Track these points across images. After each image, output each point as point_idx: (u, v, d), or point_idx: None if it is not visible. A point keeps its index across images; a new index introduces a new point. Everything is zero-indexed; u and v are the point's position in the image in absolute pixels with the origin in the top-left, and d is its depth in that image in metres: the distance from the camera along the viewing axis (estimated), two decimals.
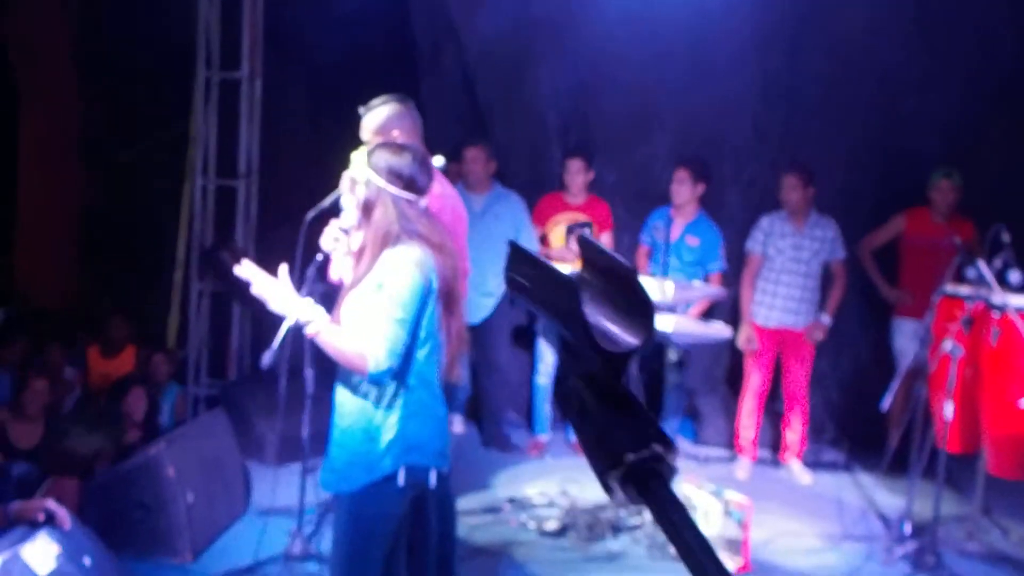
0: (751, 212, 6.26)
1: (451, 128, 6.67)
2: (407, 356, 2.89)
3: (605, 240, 6.22)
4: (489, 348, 6.21)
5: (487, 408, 6.34)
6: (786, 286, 6.01)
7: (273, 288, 2.94)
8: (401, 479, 2.92)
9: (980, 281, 4.64)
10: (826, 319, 6.01)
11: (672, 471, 1.07)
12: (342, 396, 3.01)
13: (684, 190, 6.00)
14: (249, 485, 5.12)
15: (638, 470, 1.06)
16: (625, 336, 1.14)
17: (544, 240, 6.31)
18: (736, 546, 4.52)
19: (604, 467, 1.07)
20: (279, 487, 5.04)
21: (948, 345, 4.61)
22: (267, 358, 3.89)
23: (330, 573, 3.16)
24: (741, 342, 6.12)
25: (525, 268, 1.32)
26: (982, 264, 4.55)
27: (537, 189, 6.43)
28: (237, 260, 6.13)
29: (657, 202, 6.22)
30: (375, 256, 2.92)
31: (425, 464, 2.98)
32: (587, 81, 6.62)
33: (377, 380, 2.86)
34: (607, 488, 1.07)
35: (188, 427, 5.25)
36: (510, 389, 6.56)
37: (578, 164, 6.19)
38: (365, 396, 2.94)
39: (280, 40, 6.82)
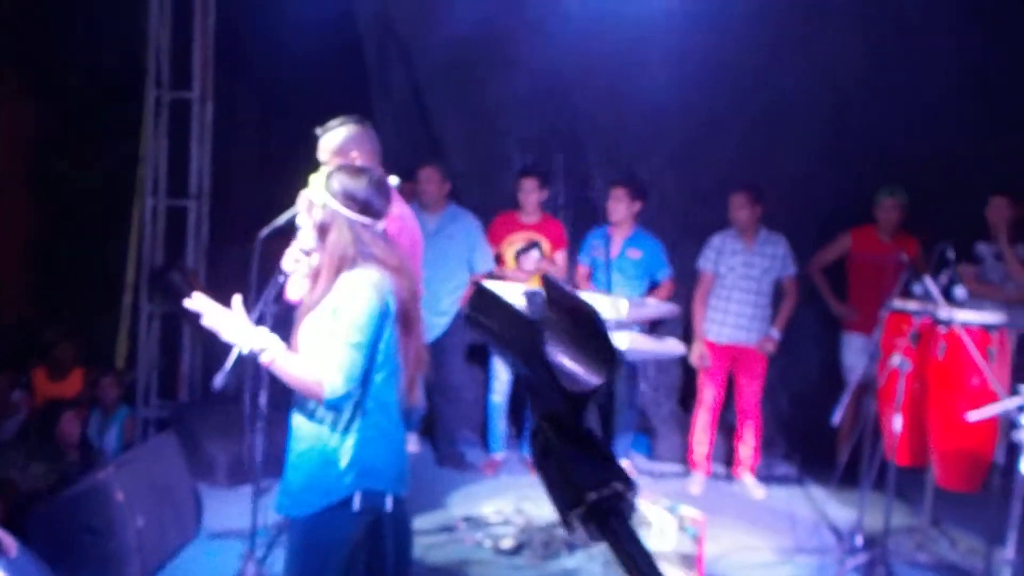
0: (700, 230, 6.32)
1: (404, 147, 6.66)
2: (365, 380, 2.88)
3: (559, 258, 6.25)
4: (443, 367, 6.20)
5: (442, 427, 6.32)
6: (737, 303, 6.09)
7: (225, 320, 2.91)
8: (357, 504, 2.89)
9: (927, 297, 4.73)
10: (776, 333, 6.10)
11: (631, 508, 1.09)
12: (298, 420, 2.98)
13: (621, 208, 6.09)
14: (200, 508, 5.04)
15: (599, 508, 1.07)
16: (587, 375, 1.16)
17: (499, 259, 6.32)
18: (691, 561, 4.54)
19: (566, 505, 1.08)
20: (231, 510, 4.99)
21: (896, 359, 4.68)
22: (219, 380, 3.84)
23: None
24: (694, 359, 6.19)
25: (488, 308, 1.33)
26: (928, 280, 4.64)
27: (492, 208, 6.43)
28: (188, 281, 6.14)
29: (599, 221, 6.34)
30: (331, 280, 2.89)
31: (382, 489, 2.95)
32: (541, 97, 6.66)
33: (334, 406, 2.84)
34: (567, 525, 1.08)
35: (137, 451, 5.16)
36: (465, 408, 6.55)
37: (532, 183, 6.22)
38: (321, 421, 2.90)
39: (231, 60, 6.78)
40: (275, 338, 2.90)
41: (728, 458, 6.42)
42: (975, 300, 6.09)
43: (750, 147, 6.63)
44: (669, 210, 6.62)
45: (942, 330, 4.66)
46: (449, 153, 6.51)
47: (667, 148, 6.66)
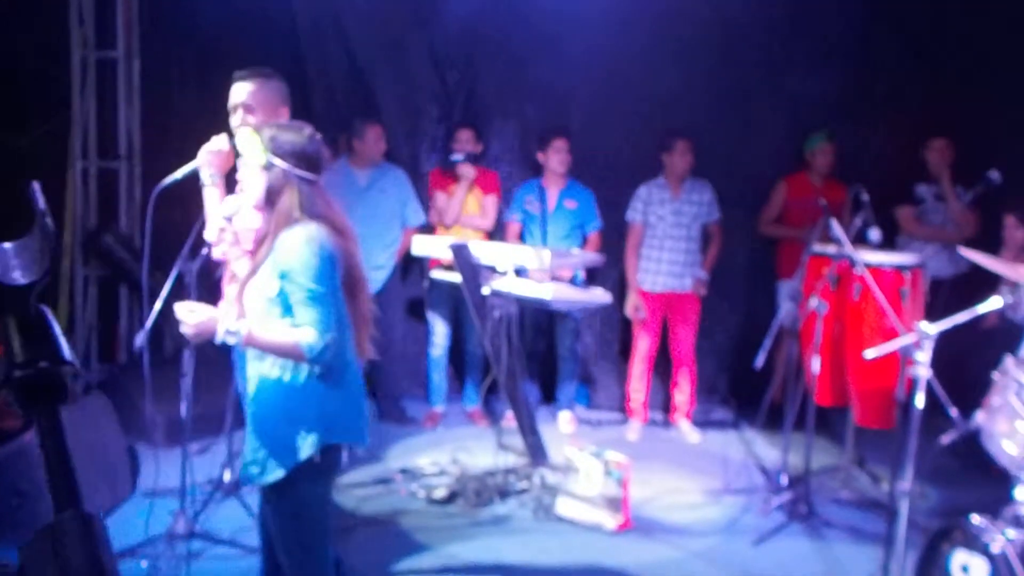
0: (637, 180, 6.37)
1: (337, 102, 6.65)
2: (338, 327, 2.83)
3: (490, 203, 6.27)
4: (380, 322, 6.21)
5: (381, 382, 6.37)
6: (670, 251, 6.17)
7: (198, 321, 2.79)
8: (321, 456, 2.86)
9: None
10: (703, 273, 6.22)
11: (63, 387, 1.16)
12: (255, 383, 2.93)
13: (568, 159, 6.14)
14: (136, 468, 5.08)
15: (26, 385, 1.15)
16: (17, 274, 1.22)
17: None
18: (617, 504, 4.65)
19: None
20: (169, 470, 5.02)
21: (814, 302, 4.78)
22: (139, 340, 3.87)
23: (286, 568, 2.99)
24: (629, 310, 6.27)
25: None
26: (835, 223, 4.72)
27: (422, 164, 6.44)
28: (121, 243, 6.11)
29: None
30: (274, 240, 2.84)
31: (347, 441, 2.96)
32: (470, 52, 6.66)
33: (319, 359, 2.78)
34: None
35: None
36: (405, 362, 6.60)
37: (467, 135, 6.23)
38: (279, 380, 2.86)
39: (164, 17, 6.70)
40: (244, 321, 2.82)
41: (666, 405, 6.54)
42: (909, 241, 6.24)
43: (680, 94, 6.67)
44: (597, 161, 6.66)
45: (857, 272, 4.75)
46: (380, 107, 6.48)
47: (596, 97, 6.69)
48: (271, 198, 2.86)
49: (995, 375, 3.72)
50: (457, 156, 6.08)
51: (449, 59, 6.67)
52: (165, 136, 6.86)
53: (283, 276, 2.78)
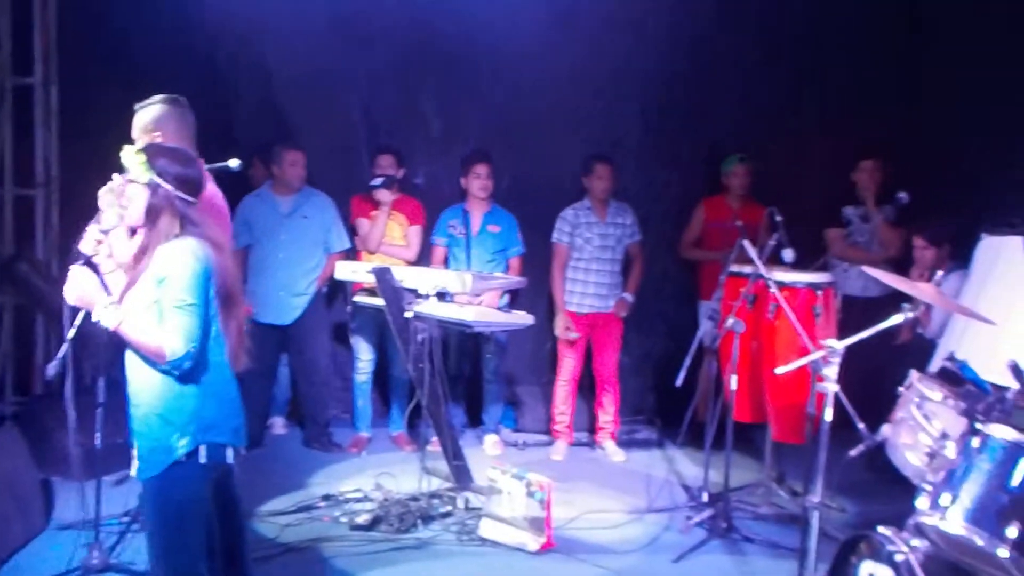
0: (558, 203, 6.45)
1: (258, 127, 6.62)
2: (204, 338, 3.02)
3: (414, 233, 6.28)
4: (305, 348, 6.21)
5: (307, 408, 6.33)
6: (596, 273, 6.25)
7: (84, 288, 3.02)
8: (203, 456, 3.03)
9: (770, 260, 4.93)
10: (629, 297, 6.31)
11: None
12: (135, 387, 3.09)
13: (489, 184, 6.19)
14: (50, 501, 4.97)
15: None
16: None
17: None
18: (539, 524, 4.67)
19: None
20: (84, 502, 4.91)
21: (730, 321, 4.88)
22: (52, 369, 3.81)
23: (151, 565, 3.17)
24: (559, 331, 6.32)
25: None
26: (747, 244, 4.83)
27: (346, 189, 6.43)
28: (36, 271, 5.99)
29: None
30: (152, 253, 3.02)
31: (223, 441, 3.10)
32: (400, 77, 6.71)
33: (178, 366, 2.96)
34: None
35: None
36: (329, 388, 6.55)
37: (388, 160, 6.24)
38: (158, 383, 3.02)
39: (84, 43, 6.61)
40: (122, 307, 3.00)
41: (591, 426, 6.59)
42: (839, 261, 6.37)
43: (604, 118, 6.80)
44: (522, 185, 6.73)
45: (772, 291, 4.85)
46: (302, 133, 6.47)
47: (523, 122, 6.78)
48: (151, 216, 3.03)
49: (901, 389, 3.83)
50: (376, 181, 6.09)
51: (375, 85, 6.70)
52: (84, 163, 6.76)
53: (159, 283, 2.96)
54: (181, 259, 2.97)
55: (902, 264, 5.72)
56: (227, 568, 3.70)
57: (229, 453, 3.13)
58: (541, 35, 6.59)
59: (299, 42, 6.49)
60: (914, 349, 5.69)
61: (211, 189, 3.64)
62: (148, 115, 3.82)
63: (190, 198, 3.07)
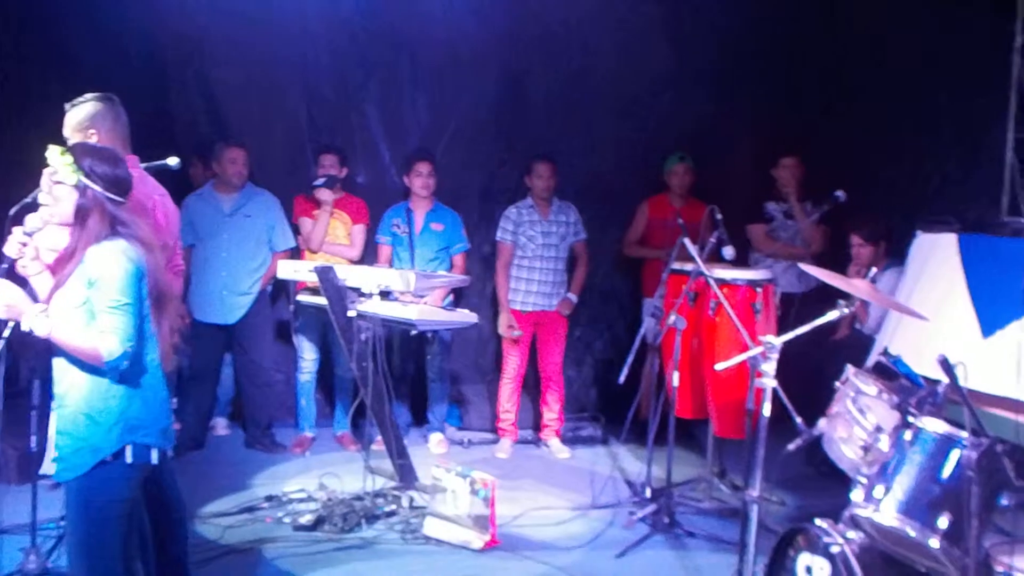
0: (501, 202, 6.47)
1: (200, 126, 6.55)
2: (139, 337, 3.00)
3: (358, 232, 6.26)
4: (249, 348, 6.14)
5: (249, 408, 6.26)
6: (540, 271, 6.27)
7: (12, 299, 2.99)
8: (128, 457, 3.01)
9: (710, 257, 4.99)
10: (573, 297, 6.34)
11: None
12: (61, 387, 3.06)
13: (431, 182, 6.18)
14: None
15: None
16: None
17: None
18: (484, 522, 4.68)
19: None
20: (22, 507, 4.82)
21: (672, 318, 4.93)
22: None
23: (69, 564, 3.15)
24: (503, 329, 6.33)
25: None
26: (687, 241, 4.89)
27: (289, 188, 6.38)
28: None
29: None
30: (82, 255, 2.99)
31: (148, 443, 3.07)
32: (343, 77, 6.67)
33: (116, 366, 2.95)
34: None
35: None
36: (272, 388, 6.50)
37: (331, 159, 6.21)
38: (85, 383, 3.00)
39: (25, 43, 6.47)
40: (50, 312, 2.98)
41: (536, 423, 6.61)
42: (760, 257, 6.47)
43: (544, 118, 6.85)
44: (464, 183, 6.75)
45: (712, 288, 4.91)
46: (244, 133, 6.40)
47: (466, 121, 6.80)
48: (80, 217, 3.01)
49: (837, 384, 3.90)
50: (317, 181, 6.06)
51: (319, 83, 6.66)
52: (17, 163, 6.63)
53: (90, 285, 2.95)
54: (113, 260, 2.96)
55: (838, 260, 5.82)
56: (165, 570, 3.69)
57: (154, 454, 3.11)
58: (481, 35, 6.63)
59: (242, 40, 6.42)
60: (852, 344, 5.81)
61: (143, 189, 3.60)
62: (82, 113, 3.76)
63: (119, 198, 3.05)
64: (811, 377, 4.82)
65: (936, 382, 3.49)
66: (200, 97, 6.54)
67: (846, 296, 3.76)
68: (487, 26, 6.62)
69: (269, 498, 5.20)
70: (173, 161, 4.18)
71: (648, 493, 5.22)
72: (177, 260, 3.91)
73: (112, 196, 3.03)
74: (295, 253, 6.20)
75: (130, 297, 2.96)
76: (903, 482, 3.17)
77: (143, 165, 3.88)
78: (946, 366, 3.00)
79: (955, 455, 3.06)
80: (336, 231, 6.20)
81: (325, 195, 6.03)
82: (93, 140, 3.65)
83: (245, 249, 6.03)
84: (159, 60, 6.46)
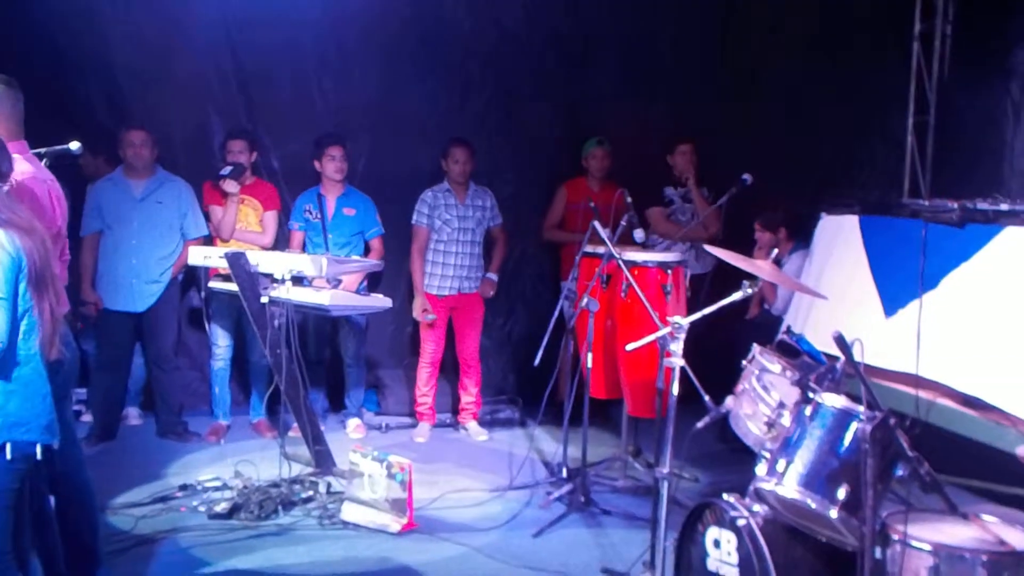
0: (416, 186, 6.46)
1: (105, 111, 6.39)
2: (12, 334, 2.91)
3: (269, 219, 6.21)
4: (159, 336, 6.05)
5: (161, 397, 6.16)
6: (456, 255, 6.29)
7: None
8: (8, 454, 2.93)
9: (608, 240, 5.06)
10: (493, 277, 6.43)
11: None
12: None
13: (344, 166, 6.17)
14: None
15: None
16: None
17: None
18: (401, 506, 4.69)
19: None
20: None
21: (585, 300, 5.00)
22: None
23: None
24: (417, 313, 6.33)
25: None
26: (597, 224, 4.96)
27: (198, 174, 6.28)
28: None
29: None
30: None
31: (30, 439, 2.99)
32: (245, 65, 6.58)
33: None
34: None
35: None
36: (185, 375, 6.42)
37: (240, 145, 6.12)
38: None
39: None
40: None
41: (455, 407, 6.65)
42: (659, 240, 6.60)
43: (460, 102, 6.87)
44: (377, 166, 6.74)
45: (623, 271, 4.99)
46: (153, 118, 6.26)
47: (376, 106, 6.78)
48: None
49: (744, 363, 4.00)
50: (224, 171, 5.97)
51: (230, 66, 6.56)
52: None
53: None
54: None
55: (744, 243, 5.95)
56: (78, 562, 3.64)
57: (38, 449, 3.02)
58: (398, 16, 6.61)
59: (145, 22, 6.29)
60: (762, 324, 5.97)
61: (38, 174, 3.52)
62: None
63: None
64: (725, 356, 4.94)
65: (836, 358, 3.61)
66: (104, 80, 6.36)
67: (751, 277, 3.86)
68: (398, 6, 6.61)
69: (183, 487, 5.14)
70: (75, 146, 4.07)
71: (564, 473, 5.30)
72: (65, 249, 3.81)
73: None
74: (207, 240, 6.12)
75: (4, 291, 2.87)
76: (804, 456, 3.26)
77: (43, 149, 3.79)
78: (841, 342, 3.10)
79: (853, 428, 3.17)
80: (248, 218, 6.14)
81: (231, 187, 5.95)
82: None
83: (155, 236, 5.94)
84: (57, 44, 6.26)
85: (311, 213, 6.21)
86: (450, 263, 6.29)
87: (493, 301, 6.62)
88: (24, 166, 3.47)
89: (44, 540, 3.43)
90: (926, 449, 3.12)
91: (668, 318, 3.79)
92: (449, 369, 6.66)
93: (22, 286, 2.93)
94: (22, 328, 2.95)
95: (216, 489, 5.12)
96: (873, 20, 6.15)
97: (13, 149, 3.37)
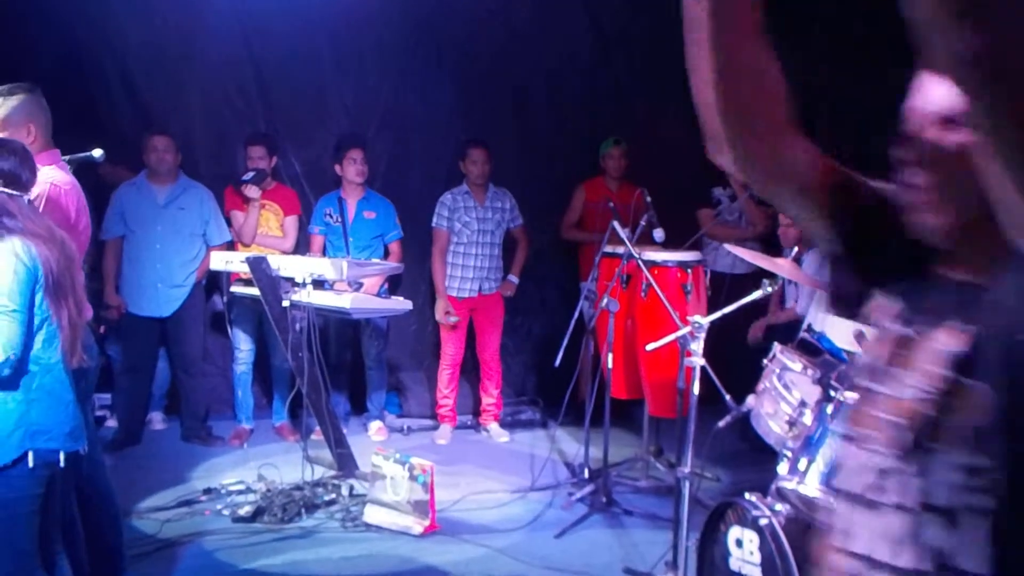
0: (434, 188, 6.49)
1: (123, 118, 6.45)
2: (25, 344, 2.91)
3: (290, 223, 6.25)
4: (184, 341, 6.09)
5: (185, 401, 6.21)
6: (476, 257, 6.30)
7: None
8: (30, 462, 2.93)
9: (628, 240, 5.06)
10: (514, 278, 6.43)
11: None
12: None
13: (365, 169, 6.21)
14: None
15: None
16: None
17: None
18: (423, 507, 4.71)
19: None
20: None
21: (605, 300, 4.99)
22: None
23: None
24: (440, 315, 6.35)
25: None
26: (617, 224, 4.95)
27: (220, 180, 6.32)
28: None
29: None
30: None
31: (54, 447, 2.99)
32: (263, 71, 6.62)
33: None
34: None
35: None
36: (208, 380, 6.46)
37: (260, 151, 6.16)
38: None
39: None
40: None
41: (476, 408, 6.66)
42: (710, 240, 6.56)
43: (474, 103, 6.87)
44: (398, 171, 6.75)
45: (643, 270, 4.99)
46: (175, 124, 6.32)
47: (393, 109, 6.80)
48: None
49: (765, 361, 3.99)
50: (246, 176, 6.01)
51: (249, 71, 6.60)
52: None
53: None
54: (3, 263, 2.86)
55: (773, 241, 5.92)
56: (103, 566, 3.67)
57: (61, 457, 3.03)
58: (407, 19, 6.63)
59: (163, 30, 6.34)
60: (784, 326, 5.93)
61: (64, 178, 3.55)
62: (15, 106, 3.62)
63: (13, 192, 2.96)
64: (752, 356, 4.93)
65: (858, 356, 3.59)
66: (125, 86, 6.42)
67: (771, 276, 3.85)
68: (413, 10, 6.62)
69: (207, 491, 5.17)
70: (98, 153, 4.10)
71: (586, 474, 5.31)
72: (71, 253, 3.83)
73: (5, 190, 2.93)
74: (229, 245, 6.16)
75: (18, 303, 2.86)
76: (825, 454, 3.26)
77: (67, 157, 3.82)
78: (861, 339, 3.09)
79: None
80: (269, 223, 6.18)
81: (253, 192, 5.99)
82: (32, 135, 3.56)
83: (179, 242, 5.98)
84: (77, 51, 6.32)
85: (331, 217, 6.25)
86: (470, 265, 6.30)
87: (513, 302, 6.62)
88: (59, 174, 3.51)
89: (71, 543, 3.46)
90: None
91: (688, 317, 3.79)
92: (470, 371, 6.67)
93: (39, 296, 2.94)
94: (41, 337, 2.96)
95: (240, 493, 5.16)
96: (893, 18, 6.10)
97: (47, 158, 3.41)
